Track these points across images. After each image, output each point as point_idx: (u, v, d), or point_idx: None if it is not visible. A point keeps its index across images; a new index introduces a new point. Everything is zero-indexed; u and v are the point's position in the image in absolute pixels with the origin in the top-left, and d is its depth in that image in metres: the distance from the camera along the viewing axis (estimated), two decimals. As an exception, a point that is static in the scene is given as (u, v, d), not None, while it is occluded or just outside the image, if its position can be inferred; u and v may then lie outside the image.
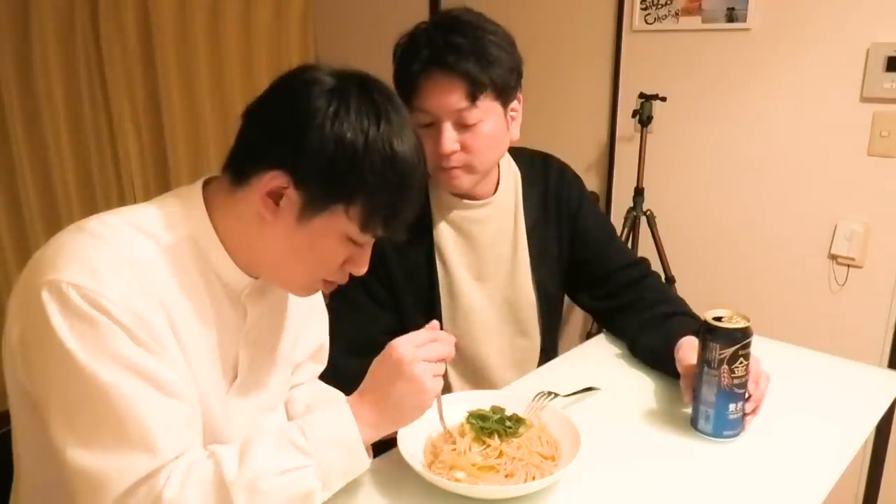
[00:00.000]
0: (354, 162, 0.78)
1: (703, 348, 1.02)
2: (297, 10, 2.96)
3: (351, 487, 0.89)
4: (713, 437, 1.03)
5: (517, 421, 0.99)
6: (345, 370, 1.01)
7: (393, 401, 0.85)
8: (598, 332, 1.49)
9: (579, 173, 1.46)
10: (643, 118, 2.17)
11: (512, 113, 1.25)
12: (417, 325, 0.91)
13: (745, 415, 1.04)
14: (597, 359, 1.34)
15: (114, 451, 0.73)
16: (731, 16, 2.07)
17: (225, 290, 0.87)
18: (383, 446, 0.95)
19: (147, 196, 0.91)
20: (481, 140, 1.19)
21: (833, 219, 2.00)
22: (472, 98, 1.16)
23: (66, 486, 0.75)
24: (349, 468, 0.83)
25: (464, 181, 1.23)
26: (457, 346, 0.94)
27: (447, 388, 1.32)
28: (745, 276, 2.21)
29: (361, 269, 0.89)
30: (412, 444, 0.96)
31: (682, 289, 2.17)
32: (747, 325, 1.00)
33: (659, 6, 2.21)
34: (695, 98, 2.20)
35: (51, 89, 2.44)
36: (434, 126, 1.18)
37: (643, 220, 2.25)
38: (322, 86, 0.80)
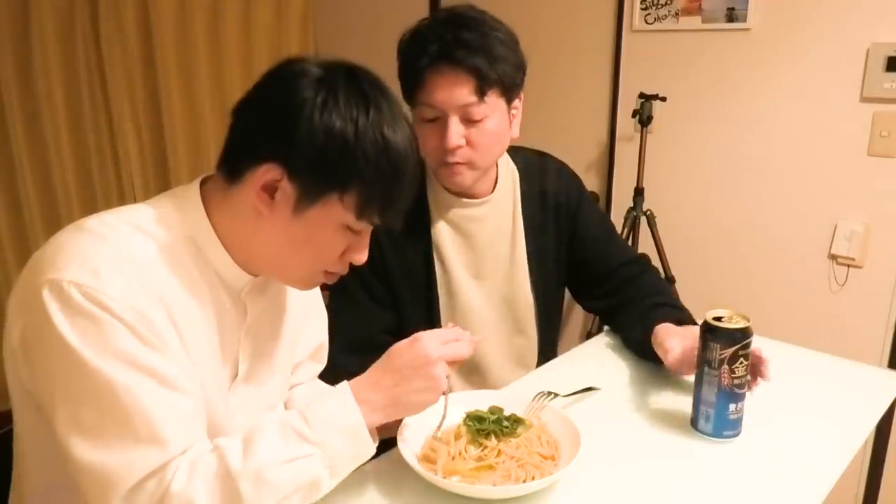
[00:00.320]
0: (345, 151, 0.78)
1: (704, 348, 1.02)
2: (297, 10, 2.96)
3: (351, 487, 0.89)
4: (713, 437, 1.03)
5: (515, 421, 0.98)
6: (343, 368, 1.01)
7: (405, 392, 0.86)
8: (598, 331, 1.49)
9: (579, 173, 1.46)
10: (643, 118, 2.17)
11: (513, 111, 1.25)
12: (416, 325, 0.91)
13: (754, 380, 1.04)
14: (597, 359, 1.34)
15: (121, 447, 0.73)
16: (731, 16, 2.07)
17: (224, 288, 0.87)
18: (383, 446, 0.95)
19: (147, 196, 0.91)
20: (486, 136, 1.20)
21: (833, 219, 2.00)
22: (481, 93, 1.16)
23: (74, 485, 0.75)
24: (355, 453, 0.83)
25: (466, 177, 1.23)
26: None
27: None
28: (745, 276, 2.20)
29: (362, 257, 0.89)
30: (412, 443, 0.96)
31: (682, 289, 2.17)
32: (747, 325, 1.00)
33: (659, 6, 2.21)
34: (695, 98, 2.20)
35: (51, 89, 2.45)
36: (439, 121, 1.19)
37: (643, 220, 2.25)
38: (309, 77, 0.80)
